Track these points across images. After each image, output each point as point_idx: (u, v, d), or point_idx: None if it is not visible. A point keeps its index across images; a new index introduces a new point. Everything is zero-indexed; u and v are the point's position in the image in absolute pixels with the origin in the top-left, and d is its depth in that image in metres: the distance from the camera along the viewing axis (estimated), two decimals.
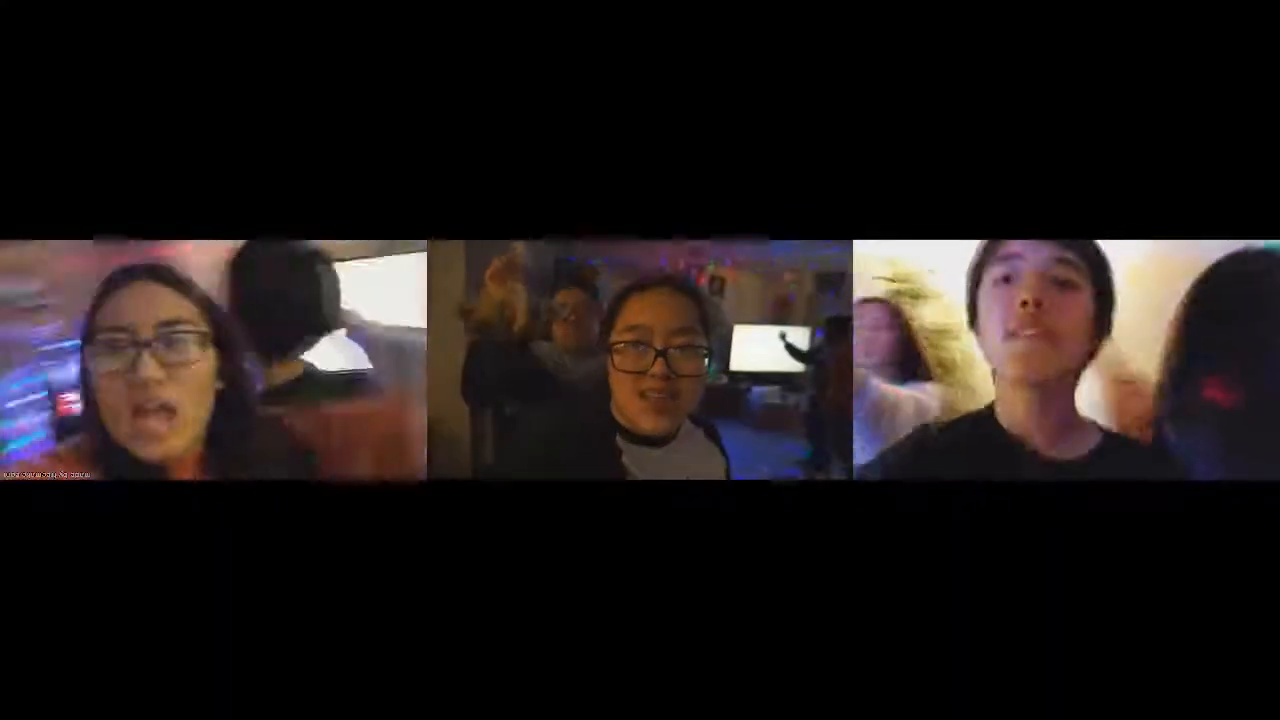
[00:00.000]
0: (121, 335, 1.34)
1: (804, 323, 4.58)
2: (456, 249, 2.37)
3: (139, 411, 1.34)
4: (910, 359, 2.39)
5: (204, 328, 1.41)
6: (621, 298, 1.56)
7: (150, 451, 1.36)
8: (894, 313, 2.50)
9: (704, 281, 4.46)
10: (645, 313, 1.50)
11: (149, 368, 1.33)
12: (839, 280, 4.87)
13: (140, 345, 1.33)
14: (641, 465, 1.53)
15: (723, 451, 1.71)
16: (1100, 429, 1.54)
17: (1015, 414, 1.51)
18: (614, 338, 1.52)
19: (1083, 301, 1.45)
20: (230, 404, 1.46)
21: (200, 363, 1.40)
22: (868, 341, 2.39)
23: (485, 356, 2.22)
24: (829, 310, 4.45)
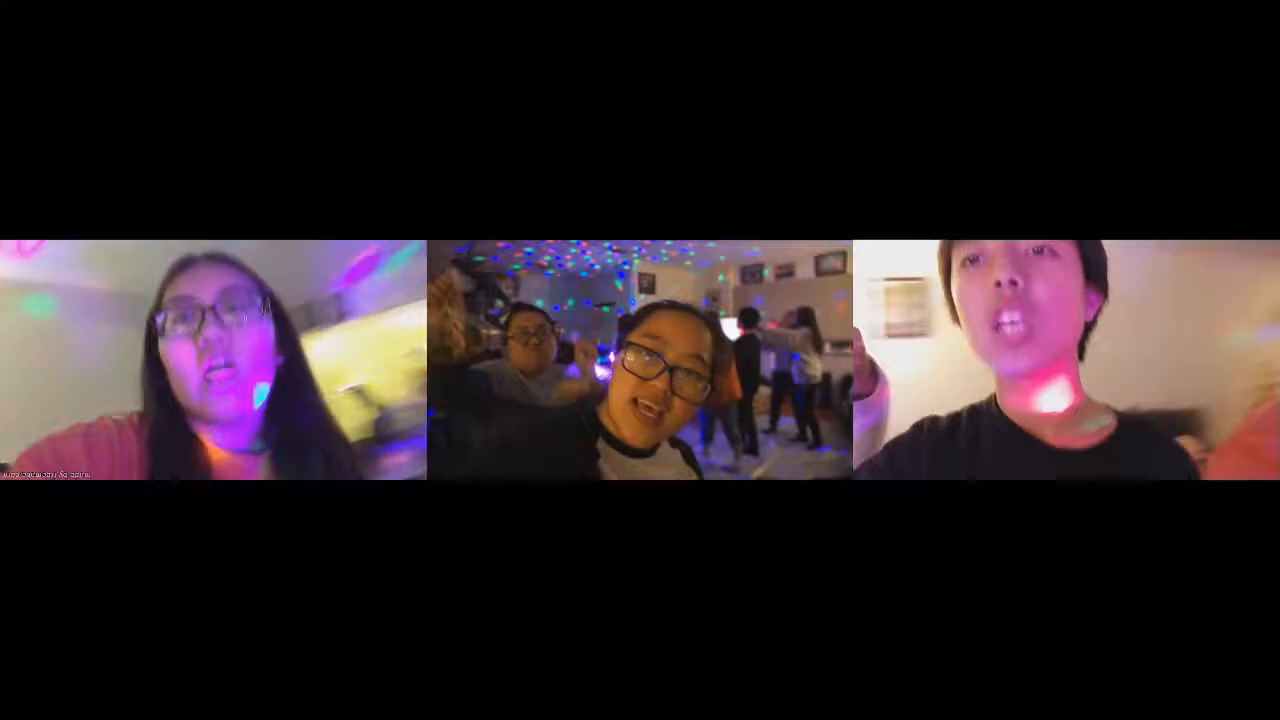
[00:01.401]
0: (188, 304, 1.47)
1: (729, 314, 4.67)
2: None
3: (206, 370, 1.46)
4: None
5: (259, 297, 1.55)
6: (650, 309, 1.63)
7: (216, 405, 1.47)
8: None
9: (634, 279, 4.52)
10: (669, 328, 1.57)
11: (212, 328, 1.46)
12: (759, 273, 5.01)
13: (203, 311, 1.47)
14: (616, 472, 1.58)
15: (698, 472, 1.76)
16: (1114, 413, 1.47)
17: (1019, 404, 1.45)
18: (632, 338, 1.58)
19: (1067, 266, 1.37)
20: (288, 380, 1.59)
21: (259, 328, 1.53)
22: None
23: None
24: (755, 301, 4.59)
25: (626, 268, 4.49)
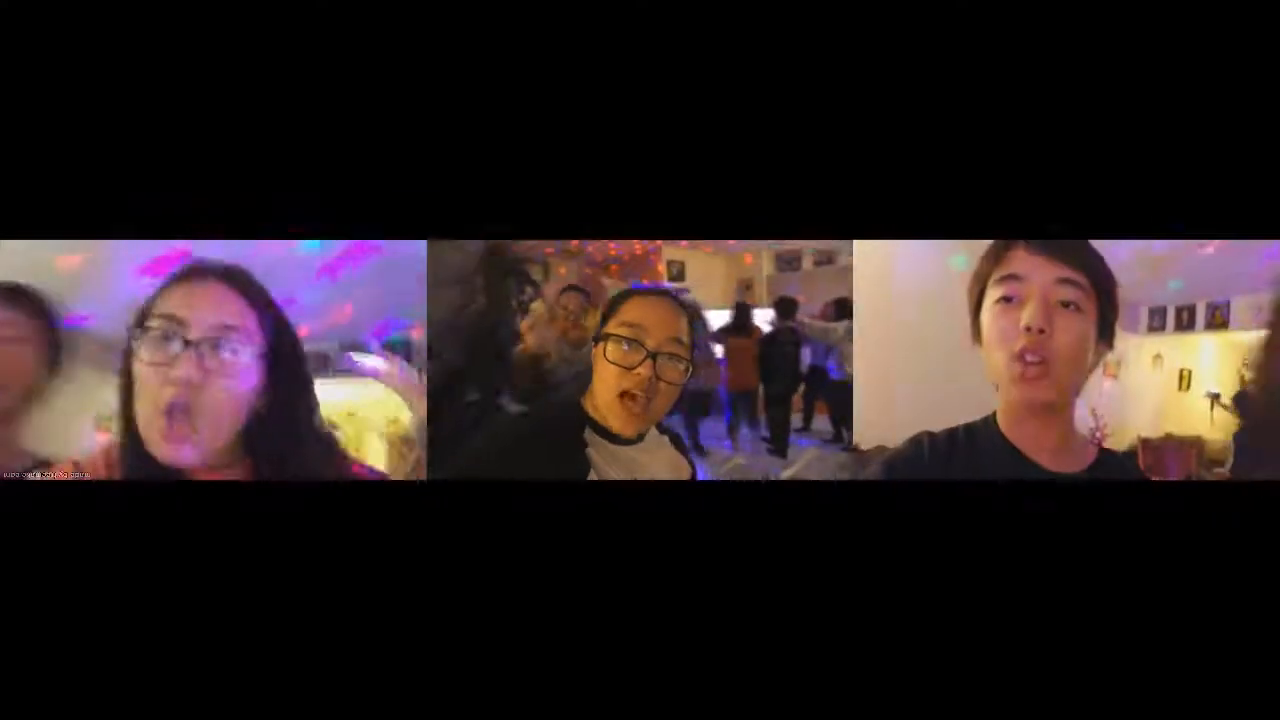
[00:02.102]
0: (171, 326, 1.34)
1: (766, 303, 4.63)
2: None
3: (168, 410, 1.33)
4: None
5: (258, 341, 1.41)
6: (623, 296, 1.66)
7: (166, 454, 1.36)
8: None
9: (662, 267, 4.54)
10: (644, 314, 1.61)
11: (189, 366, 1.33)
12: (797, 261, 4.98)
13: (187, 343, 1.33)
14: (606, 461, 1.63)
15: (689, 461, 1.81)
16: (1096, 445, 1.60)
17: (1019, 430, 1.55)
18: (609, 329, 1.61)
19: (1086, 321, 1.49)
20: (270, 427, 1.45)
21: (243, 374, 1.39)
22: None
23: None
24: (790, 289, 4.55)
25: (654, 254, 4.51)
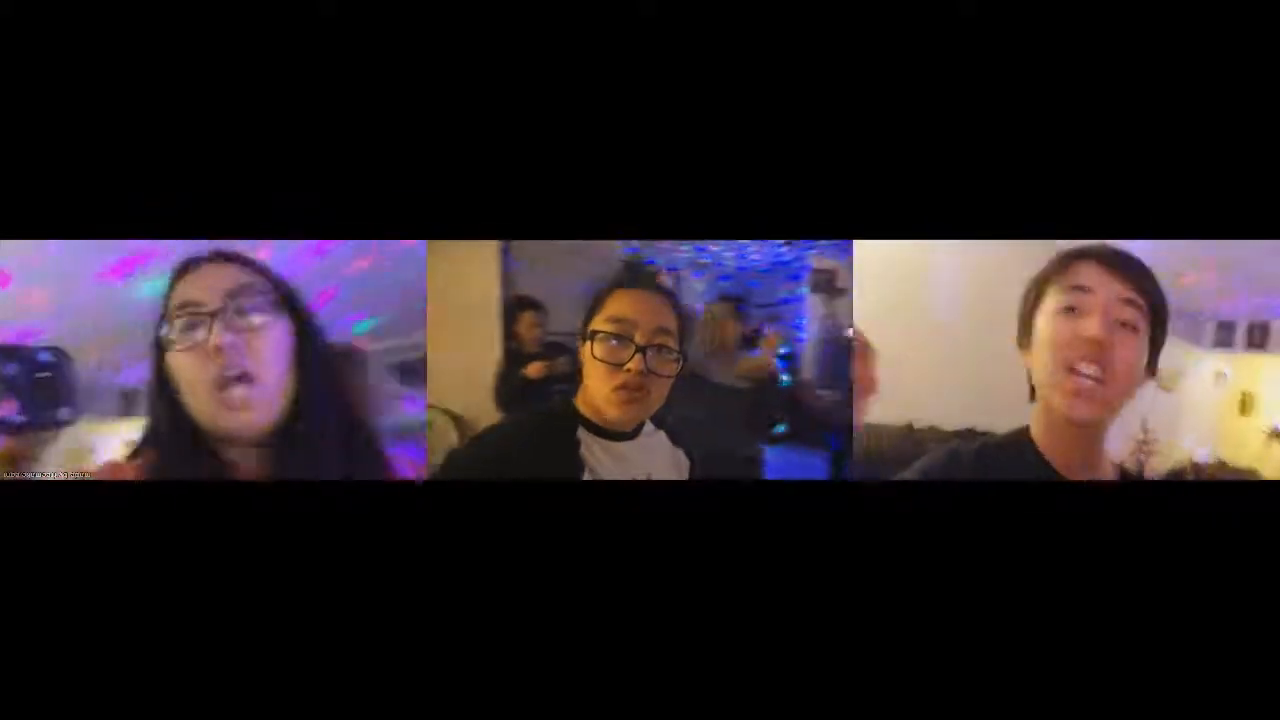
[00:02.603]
0: (194, 310, 1.39)
1: None
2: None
3: (219, 383, 1.37)
4: None
5: (271, 294, 1.45)
6: (608, 290, 1.66)
7: (234, 421, 1.39)
8: None
9: (810, 275, 4.44)
10: (631, 308, 1.60)
11: (222, 335, 1.37)
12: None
13: (211, 316, 1.38)
14: (601, 459, 1.63)
15: (687, 454, 1.81)
16: (1115, 464, 1.61)
17: (1054, 443, 1.55)
18: (595, 326, 1.61)
19: (1140, 345, 1.50)
20: (311, 376, 1.48)
21: (276, 330, 1.44)
22: None
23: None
24: None
25: (798, 264, 4.40)
